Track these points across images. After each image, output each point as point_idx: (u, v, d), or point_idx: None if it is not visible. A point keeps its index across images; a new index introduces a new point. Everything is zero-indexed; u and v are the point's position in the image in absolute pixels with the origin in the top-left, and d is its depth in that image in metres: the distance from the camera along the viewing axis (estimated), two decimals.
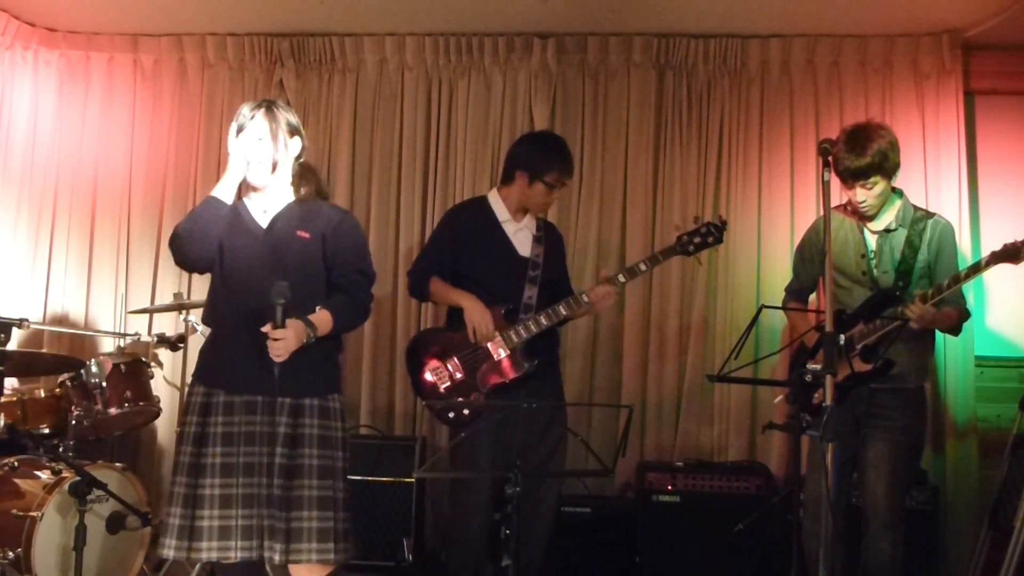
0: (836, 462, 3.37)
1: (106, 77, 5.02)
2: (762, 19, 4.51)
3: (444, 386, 3.60)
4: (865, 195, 3.40)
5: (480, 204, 3.83)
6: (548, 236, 3.83)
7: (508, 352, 3.57)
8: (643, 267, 3.69)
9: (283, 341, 2.77)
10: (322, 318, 2.90)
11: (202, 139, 4.94)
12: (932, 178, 4.51)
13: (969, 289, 4.35)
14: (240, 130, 2.93)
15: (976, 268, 3.32)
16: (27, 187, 4.92)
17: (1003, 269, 4.49)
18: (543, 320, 3.58)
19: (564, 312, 3.59)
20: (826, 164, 3.11)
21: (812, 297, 3.88)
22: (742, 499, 4.06)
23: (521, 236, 3.75)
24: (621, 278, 3.65)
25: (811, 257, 3.71)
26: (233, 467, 2.83)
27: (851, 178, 3.37)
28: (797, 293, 3.80)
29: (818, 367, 2.88)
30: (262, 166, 2.93)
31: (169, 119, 4.99)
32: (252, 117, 2.93)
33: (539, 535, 3.63)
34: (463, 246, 3.71)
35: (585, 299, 3.60)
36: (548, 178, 3.68)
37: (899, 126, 4.53)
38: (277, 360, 2.78)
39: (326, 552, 2.82)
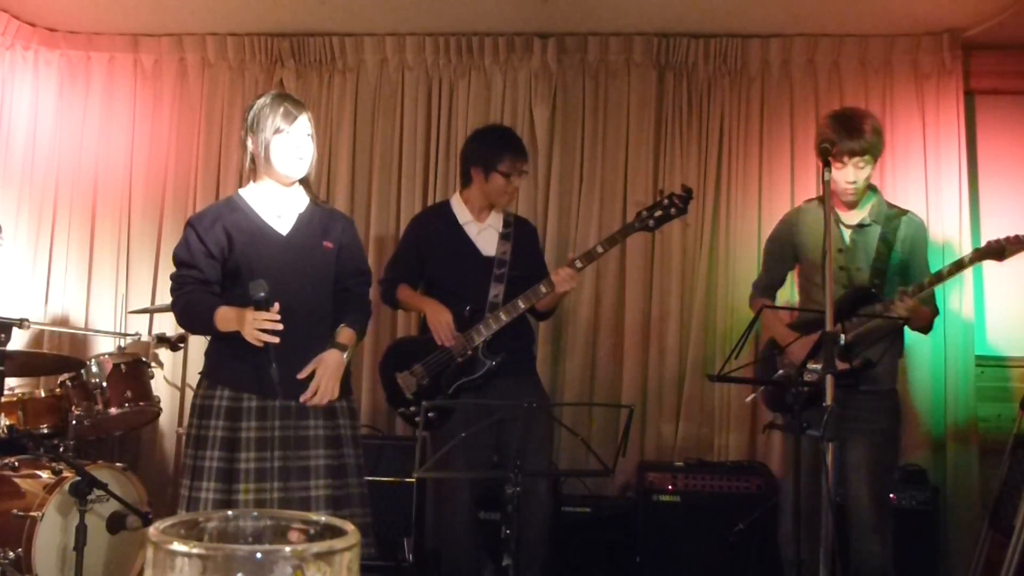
0: (812, 465, 3.36)
1: (106, 77, 5.03)
2: (762, 19, 4.51)
3: (411, 392, 3.63)
4: (856, 175, 3.35)
5: (441, 209, 3.87)
6: (517, 232, 3.80)
7: (470, 351, 3.58)
8: (600, 249, 3.61)
9: (327, 377, 2.92)
10: (347, 336, 3.01)
11: (202, 139, 4.94)
12: (932, 178, 4.51)
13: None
14: (280, 130, 2.90)
15: (959, 265, 3.31)
16: (27, 187, 4.92)
17: (1004, 269, 4.52)
18: (503, 316, 3.58)
19: (523, 305, 3.57)
20: (826, 164, 3.12)
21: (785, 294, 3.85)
22: (742, 499, 4.06)
23: (485, 236, 3.75)
24: (578, 263, 3.59)
25: (782, 251, 3.67)
26: (267, 472, 2.83)
27: (848, 155, 3.31)
28: (766, 289, 3.75)
29: (818, 367, 2.88)
30: (304, 162, 2.96)
31: (169, 119, 4.99)
32: (299, 116, 2.93)
33: (534, 534, 3.61)
34: (427, 252, 3.76)
35: (543, 289, 3.56)
36: (502, 168, 3.68)
37: (899, 126, 4.56)
38: (322, 403, 2.92)
39: (368, 545, 2.95)
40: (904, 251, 3.44)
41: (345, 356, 2.98)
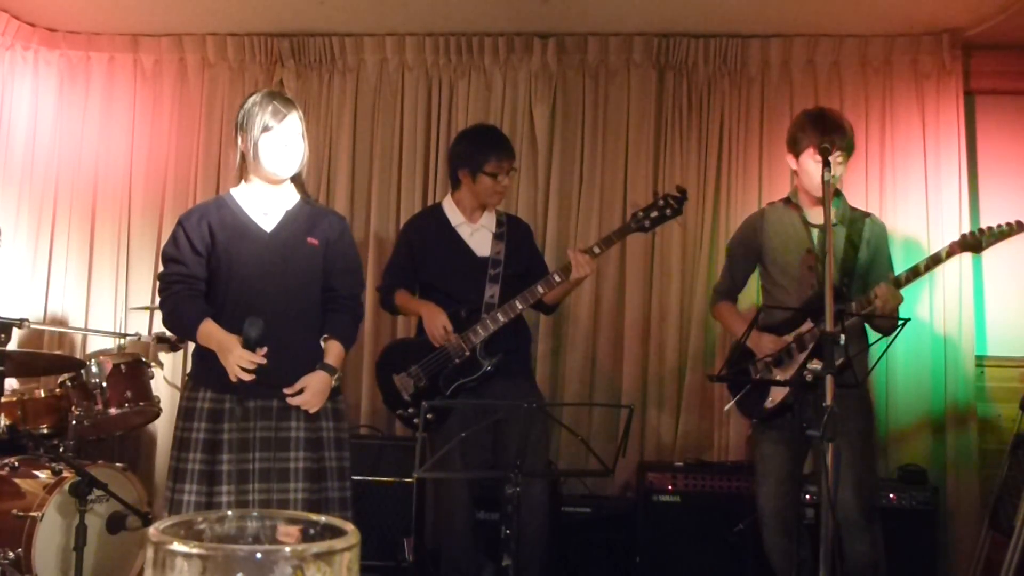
0: (779, 476, 3.35)
1: (106, 77, 5.02)
2: (762, 19, 4.51)
3: (408, 394, 3.63)
4: (836, 171, 3.34)
5: (434, 211, 3.88)
6: (511, 231, 3.80)
7: (467, 353, 3.58)
8: (596, 250, 3.59)
9: (312, 398, 2.89)
10: (337, 354, 2.99)
11: (202, 139, 4.94)
12: (932, 178, 4.51)
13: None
14: (268, 129, 2.89)
15: (936, 259, 3.31)
16: (27, 187, 4.92)
17: (1004, 269, 4.53)
18: (500, 317, 3.58)
19: (520, 305, 3.58)
20: (826, 164, 3.12)
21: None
22: (742, 499, 4.05)
23: (479, 236, 3.75)
24: (596, 249, 3.59)
25: (746, 253, 3.65)
26: (248, 473, 2.83)
27: (836, 150, 3.31)
28: (728, 292, 3.74)
29: (818, 367, 2.87)
30: (293, 162, 2.95)
31: (169, 119, 4.99)
32: (289, 114, 2.92)
33: (532, 534, 3.61)
34: (420, 256, 3.76)
35: (557, 278, 3.56)
36: (488, 168, 3.68)
37: (899, 126, 4.56)
38: (312, 411, 2.90)
39: None
40: (869, 252, 3.46)
41: (334, 379, 2.96)
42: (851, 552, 3.33)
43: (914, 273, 3.28)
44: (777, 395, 3.37)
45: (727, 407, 3.73)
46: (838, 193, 3.50)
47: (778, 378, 3.36)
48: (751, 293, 3.99)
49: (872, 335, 3.49)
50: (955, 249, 3.31)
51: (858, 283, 3.43)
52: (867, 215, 3.55)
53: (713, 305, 3.80)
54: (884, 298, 3.24)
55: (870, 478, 3.43)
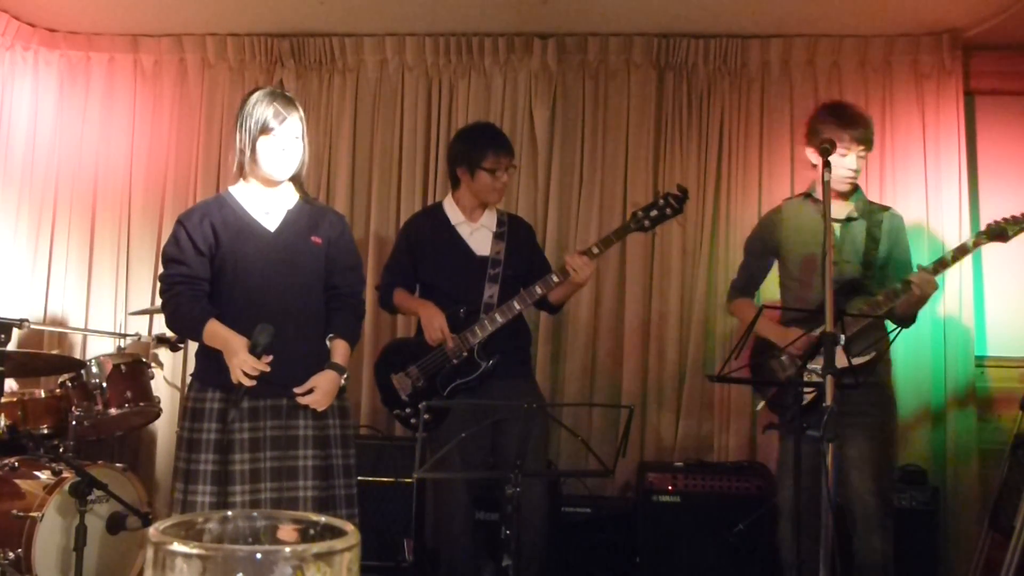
0: (809, 467, 3.34)
1: (106, 77, 5.02)
2: (762, 19, 4.51)
3: (406, 394, 3.63)
4: (858, 164, 3.39)
5: (434, 210, 3.87)
6: (512, 231, 3.79)
7: (465, 353, 3.58)
8: (595, 250, 3.57)
9: (323, 398, 2.90)
10: (344, 353, 3.00)
11: (202, 139, 4.94)
12: (932, 178, 4.51)
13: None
14: (267, 130, 2.89)
15: (963, 250, 3.33)
16: (27, 187, 4.92)
17: (1003, 269, 4.53)
18: (498, 317, 3.57)
19: (518, 306, 3.57)
20: (826, 164, 3.12)
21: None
22: (742, 499, 4.06)
23: (479, 236, 3.74)
24: (595, 250, 3.57)
25: (763, 249, 3.66)
26: (260, 472, 2.83)
27: (854, 143, 3.35)
28: (744, 289, 3.74)
29: (819, 367, 2.87)
30: (293, 164, 2.95)
31: (169, 119, 4.99)
32: (289, 116, 2.91)
33: (531, 534, 3.59)
34: (420, 255, 3.75)
35: (555, 279, 3.55)
36: (486, 164, 3.66)
37: (899, 126, 4.56)
38: (320, 410, 2.91)
39: None
40: (889, 244, 3.47)
41: (343, 378, 2.97)
42: (866, 550, 3.32)
43: (942, 264, 3.32)
44: (809, 393, 3.35)
45: (758, 407, 3.71)
46: (857, 187, 3.51)
47: (807, 377, 3.34)
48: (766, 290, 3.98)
49: (905, 334, 3.51)
50: (981, 240, 3.33)
51: (878, 276, 3.43)
52: (885, 208, 3.56)
53: (731, 301, 3.80)
54: (922, 285, 3.26)
55: (890, 473, 3.44)
